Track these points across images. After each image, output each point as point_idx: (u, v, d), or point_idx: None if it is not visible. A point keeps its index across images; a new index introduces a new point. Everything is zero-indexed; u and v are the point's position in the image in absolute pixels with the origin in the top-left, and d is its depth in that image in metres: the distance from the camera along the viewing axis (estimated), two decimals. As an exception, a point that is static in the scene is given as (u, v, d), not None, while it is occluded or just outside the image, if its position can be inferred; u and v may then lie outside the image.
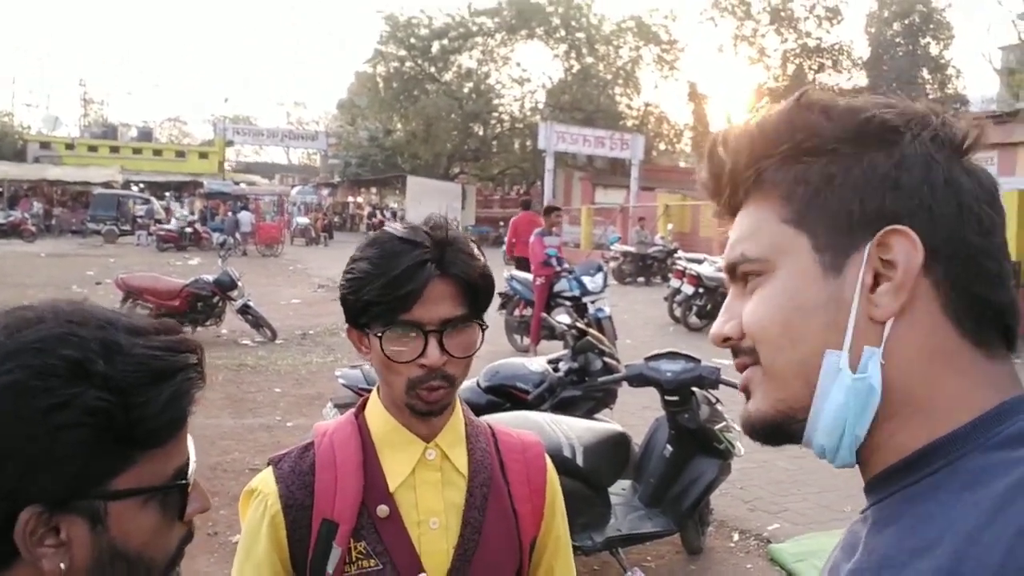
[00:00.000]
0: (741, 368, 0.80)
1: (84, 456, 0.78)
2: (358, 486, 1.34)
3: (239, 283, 11.95)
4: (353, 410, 1.46)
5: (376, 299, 1.29)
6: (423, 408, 1.34)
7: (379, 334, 1.30)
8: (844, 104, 0.76)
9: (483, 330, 1.37)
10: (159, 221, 33.02)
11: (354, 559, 1.32)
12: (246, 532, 1.37)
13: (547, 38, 43.58)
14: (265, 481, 1.39)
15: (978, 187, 0.73)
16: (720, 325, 0.81)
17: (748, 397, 0.80)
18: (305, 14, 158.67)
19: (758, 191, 0.78)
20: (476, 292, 1.34)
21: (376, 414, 1.41)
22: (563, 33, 43.16)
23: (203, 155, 54.10)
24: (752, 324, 0.77)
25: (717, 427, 4.65)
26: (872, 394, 0.71)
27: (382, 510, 1.34)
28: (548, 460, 1.53)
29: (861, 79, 40.68)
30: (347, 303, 1.35)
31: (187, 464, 0.89)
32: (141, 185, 45.82)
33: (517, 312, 11.44)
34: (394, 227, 1.36)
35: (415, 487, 1.36)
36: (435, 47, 43.61)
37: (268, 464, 1.42)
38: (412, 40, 43.38)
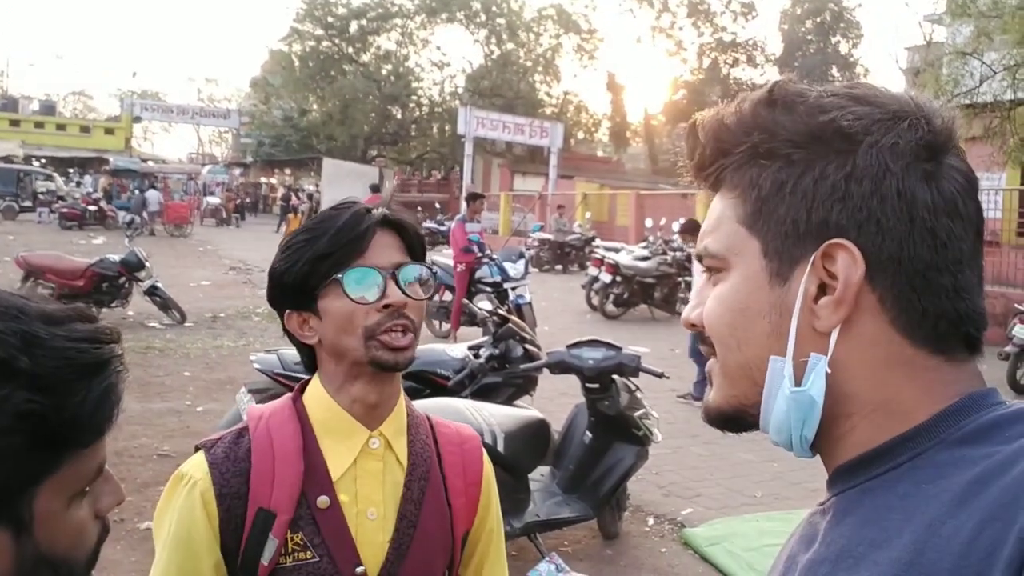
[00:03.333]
0: (708, 355, 0.80)
1: (12, 463, 0.71)
2: (298, 474, 1.28)
3: (147, 263, 11.54)
4: (290, 395, 1.39)
5: (326, 251, 1.28)
6: (389, 358, 1.29)
7: (338, 277, 1.28)
8: (812, 100, 0.73)
9: (433, 274, 1.41)
10: (62, 198, 31.67)
11: (290, 550, 1.26)
12: (178, 521, 1.28)
13: (467, 22, 43.44)
14: (197, 466, 1.30)
15: (937, 197, 0.70)
16: (688, 311, 0.82)
17: (710, 384, 0.81)
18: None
19: (723, 185, 0.78)
20: (419, 240, 1.38)
21: (317, 400, 1.35)
22: (483, 18, 43.08)
23: (109, 131, 52.00)
24: (706, 320, 0.77)
25: (636, 414, 4.70)
26: (813, 405, 0.71)
27: (322, 500, 1.28)
28: (485, 454, 1.50)
29: (774, 75, 41.77)
30: (289, 277, 1.30)
31: (105, 459, 0.83)
32: (43, 160, 43.92)
33: (437, 297, 11.37)
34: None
35: (356, 477, 1.31)
36: (353, 27, 42.98)
37: (197, 449, 1.34)
38: (329, 19, 42.68)
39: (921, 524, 0.63)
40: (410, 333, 1.31)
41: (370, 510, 1.31)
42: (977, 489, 0.62)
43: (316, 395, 1.36)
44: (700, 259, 0.80)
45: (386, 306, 1.28)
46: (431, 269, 1.39)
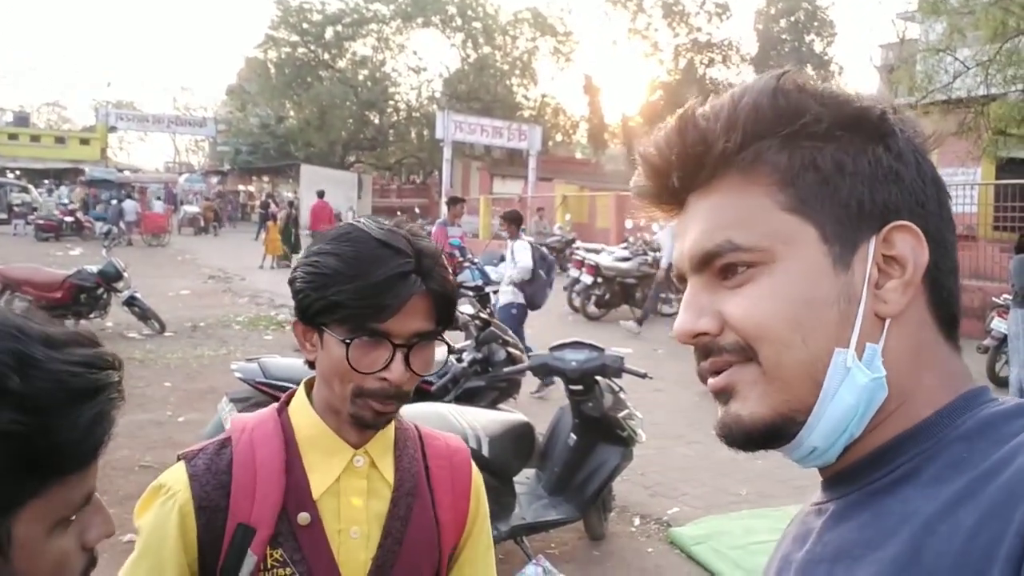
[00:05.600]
0: (717, 369, 0.74)
1: None
2: (279, 490, 1.25)
3: (125, 274, 11.45)
4: (275, 405, 1.36)
5: (347, 302, 1.20)
6: (369, 420, 1.27)
7: (346, 340, 1.21)
8: (825, 90, 0.73)
9: (449, 348, 1.35)
10: (36, 209, 31.35)
11: (269, 566, 1.24)
12: (150, 531, 1.26)
13: (443, 27, 43.35)
14: (176, 478, 1.28)
15: (944, 185, 0.75)
16: (691, 321, 0.74)
17: (727, 400, 0.74)
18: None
19: (745, 174, 0.72)
20: (449, 307, 1.28)
21: (303, 414, 1.32)
22: (459, 22, 43.01)
23: (84, 141, 51.56)
24: (752, 320, 0.70)
25: (620, 415, 4.70)
26: (881, 391, 0.69)
27: (303, 517, 1.26)
28: (473, 465, 1.48)
29: (750, 74, 41.95)
30: (307, 298, 1.25)
31: (95, 488, 0.82)
32: (17, 172, 43.52)
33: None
34: (368, 224, 1.27)
35: (339, 495, 1.29)
36: (329, 33, 42.78)
37: (179, 459, 1.32)
38: (305, 25, 42.43)
39: (919, 523, 0.63)
40: (395, 405, 1.28)
41: (352, 528, 1.29)
42: (975, 488, 0.62)
43: (302, 409, 1.33)
44: (710, 259, 0.73)
45: (383, 379, 1.24)
46: (451, 346, 1.34)
